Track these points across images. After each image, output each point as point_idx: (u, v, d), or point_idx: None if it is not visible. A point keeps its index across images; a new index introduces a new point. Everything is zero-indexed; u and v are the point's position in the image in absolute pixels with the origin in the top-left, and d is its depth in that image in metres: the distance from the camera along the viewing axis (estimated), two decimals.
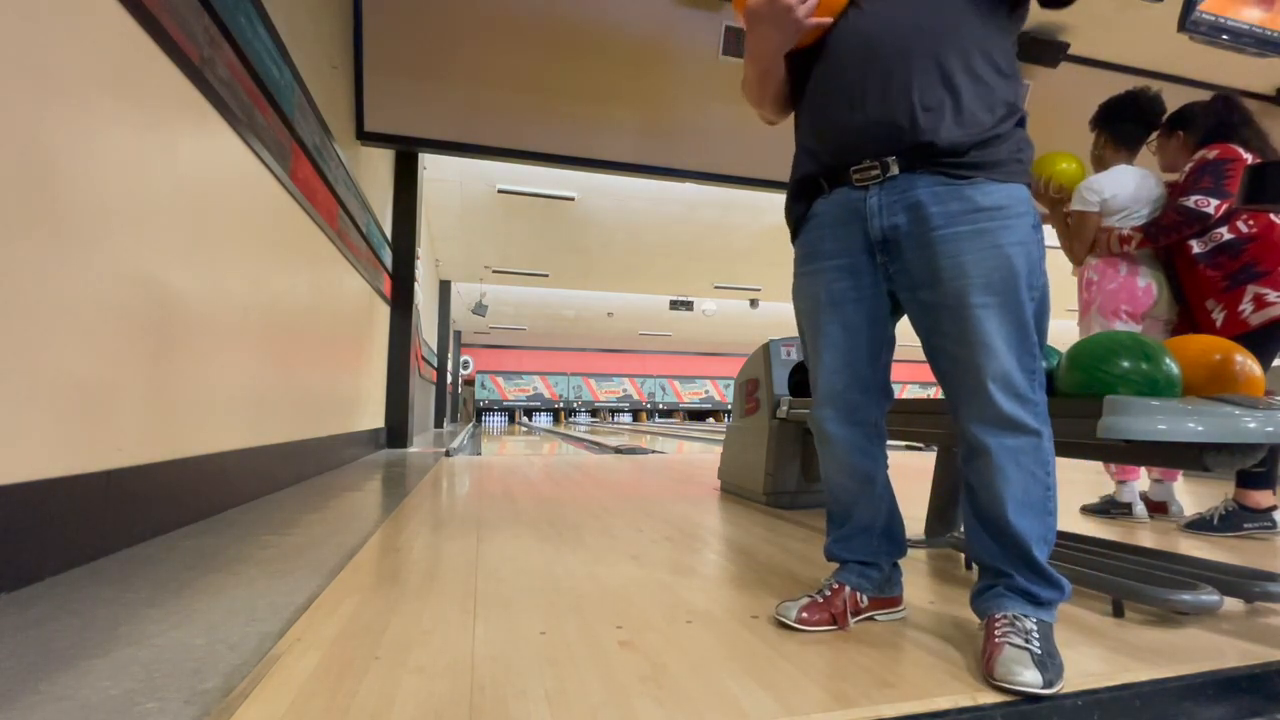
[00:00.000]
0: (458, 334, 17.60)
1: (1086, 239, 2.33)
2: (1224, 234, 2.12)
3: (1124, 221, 2.27)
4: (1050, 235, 1.86)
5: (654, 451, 6.81)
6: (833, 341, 1.16)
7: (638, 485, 3.32)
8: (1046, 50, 4.25)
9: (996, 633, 0.96)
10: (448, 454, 5.20)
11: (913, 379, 17.56)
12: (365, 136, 4.46)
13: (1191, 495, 3.03)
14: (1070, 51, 4.32)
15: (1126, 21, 4.07)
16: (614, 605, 1.26)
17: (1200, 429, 1.05)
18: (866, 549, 1.21)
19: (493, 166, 6.71)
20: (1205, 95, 2.41)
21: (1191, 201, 2.11)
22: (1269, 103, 4.96)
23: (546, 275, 12.12)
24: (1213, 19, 3.63)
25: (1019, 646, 0.91)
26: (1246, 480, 2.09)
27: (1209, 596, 1.17)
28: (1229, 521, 2.09)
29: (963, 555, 1.62)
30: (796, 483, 2.60)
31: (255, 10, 2.39)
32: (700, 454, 6.29)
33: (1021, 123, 1.08)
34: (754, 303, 14.47)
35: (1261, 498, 2.08)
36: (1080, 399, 1.22)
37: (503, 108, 4.61)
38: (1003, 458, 1.01)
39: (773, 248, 9.99)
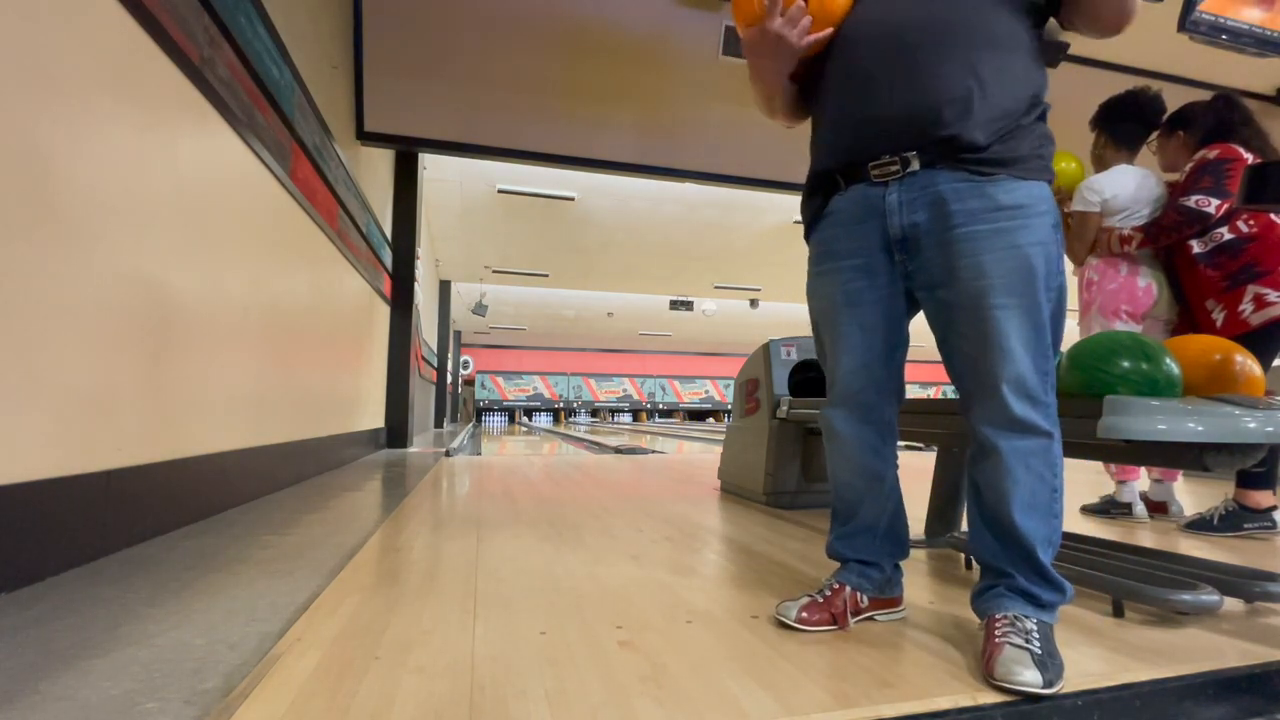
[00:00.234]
0: (458, 334, 17.60)
1: (1087, 239, 2.33)
2: (1224, 234, 2.12)
3: (1125, 222, 2.27)
4: None
5: (654, 451, 6.81)
6: (850, 343, 1.15)
7: (638, 485, 3.32)
8: (1046, 50, 4.23)
9: (997, 633, 0.96)
10: (448, 454, 5.20)
11: (913, 379, 17.51)
12: (365, 136, 4.46)
13: (1191, 495, 3.03)
14: (1070, 52, 4.32)
15: None
16: (614, 605, 1.26)
17: (1200, 429, 1.05)
18: (869, 548, 1.20)
19: (493, 166, 6.71)
20: (1205, 95, 2.41)
21: (1192, 201, 2.11)
22: (1269, 103, 4.96)
23: (546, 275, 12.12)
24: (1212, 19, 3.63)
25: (1019, 646, 0.91)
26: (1246, 480, 2.09)
27: (1209, 596, 1.17)
28: (1229, 521, 2.09)
29: (963, 555, 1.62)
30: (796, 483, 2.60)
31: (255, 10, 2.39)
32: (700, 454, 6.29)
33: (1043, 116, 1.06)
34: (754, 303, 14.47)
35: (1261, 498, 2.08)
36: (1080, 399, 1.22)
37: (503, 108, 4.61)
38: (1012, 459, 1.00)
39: (773, 248, 10.00)
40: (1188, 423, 1.06)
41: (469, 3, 4.03)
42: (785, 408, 2.55)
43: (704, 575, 1.52)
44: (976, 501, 1.07)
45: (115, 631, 1.10)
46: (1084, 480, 3.24)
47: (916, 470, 1.76)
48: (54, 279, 1.41)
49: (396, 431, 5.62)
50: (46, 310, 1.39)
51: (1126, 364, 1.22)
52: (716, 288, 13.45)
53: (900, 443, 1.25)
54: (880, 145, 1.07)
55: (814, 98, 1.21)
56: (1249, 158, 2.11)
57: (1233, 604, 1.28)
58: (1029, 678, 0.86)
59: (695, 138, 5.00)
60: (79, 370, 1.50)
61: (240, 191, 2.36)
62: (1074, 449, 1.33)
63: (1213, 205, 2.08)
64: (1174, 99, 2.42)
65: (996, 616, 0.99)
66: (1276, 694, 0.96)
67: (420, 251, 6.39)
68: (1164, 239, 2.19)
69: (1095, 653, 1.04)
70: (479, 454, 6.21)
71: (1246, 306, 2.06)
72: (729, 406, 3.98)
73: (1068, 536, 1.66)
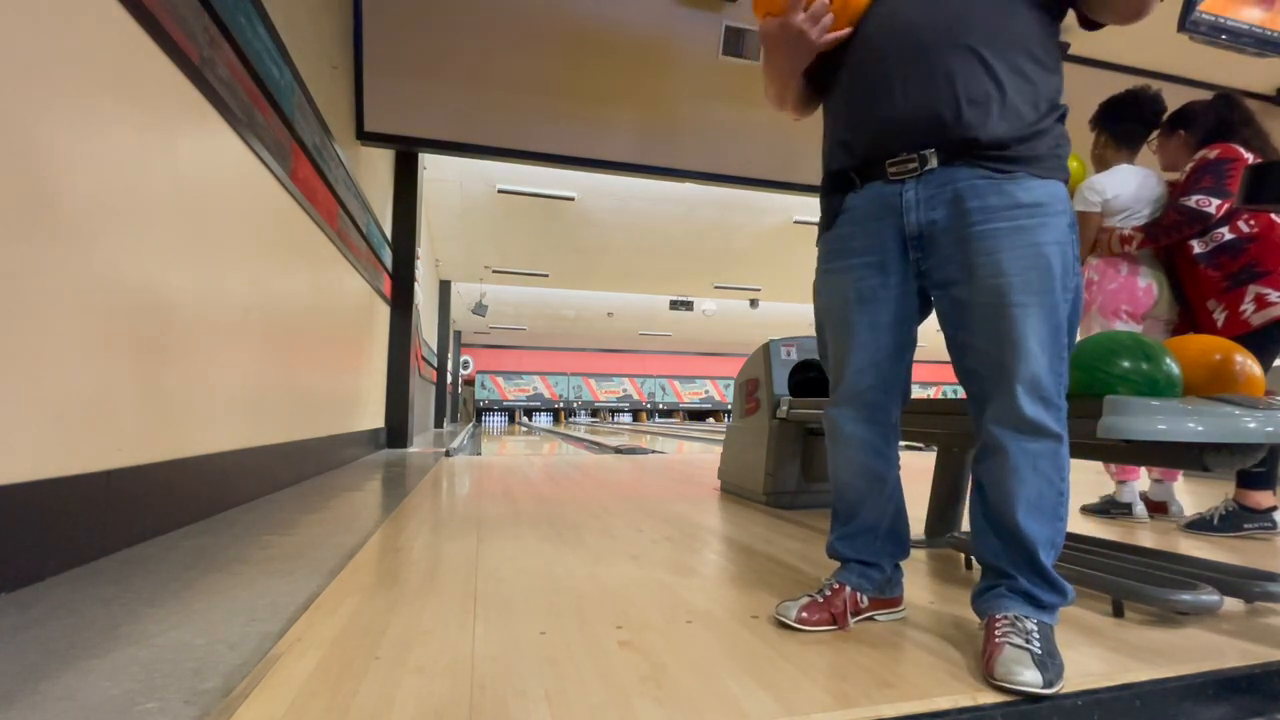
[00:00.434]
0: (458, 334, 17.60)
1: (1088, 239, 2.33)
2: (1225, 234, 2.12)
3: (1125, 221, 2.27)
4: None
5: (654, 451, 6.81)
6: (861, 341, 1.14)
7: (638, 485, 3.31)
8: None
9: (997, 633, 0.95)
10: (448, 454, 5.20)
11: (913, 379, 17.51)
12: (365, 136, 4.46)
13: (1191, 495, 3.03)
14: (1070, 51, 4.33)
15: None
16: (614, 605, 1.26)
17: (1200, 429, 1.05)
18: (870, 548, 1.20)
19: (493, 166, 6.72)
20: (1205, 95, 2.41)
21: (1192, 201, 2.11)
22: (1269, 103, 4.96)
23: (546, 275, 12.12)
24: (1212, 19, 3.63)
25: (1019, 646, 0.91)
26: (1246, 480, 2.09)
27: (1209, 596, 1.17)
28: (1229, 521, 2.09)
29: (963, 555, 1.62)
30: (796, 483, 2.59)
31: (255, 10, 2.39)
32: (700, 454, 6.28)
33: (1062, 118, 1.06)
34: (754, 303, 14.47)
35: (1261, 498, 2.08)
36: (1080, 399, 1.22)
37: (503, 108, 4.61)
38: (1020, 460, 0.99)
39: (773, 248, 9.99)
40: (1188, 423, 1.06)
41: (469, 3, 4.03)
42: (785, 408, 2.55)
43: (704, 575, 1.52)
44: (981, 501, 1.06)
45: (115, 631, 1.10)
46: (1084, 480, 3.23)
47: (917, 470, 1.75)
48: (54, 279, 1.41)
49: (396, 431, 5.62)
50: (46, 310, 1.39)
51: (1127, 364, 1.22)
52: (716, 288, 13.45)
53: (900, 443, 1.25)
54: (898, 143, 1.07)
55: (826, 92, 1.20)
56: (1249, 157, 2.11)
57: (1233, 604, 1.28)
58: (1029, 678, 0.86)
59: (695, 138, 5.00)
60: (79, 370, 1.50)
61: (240, 192, 2.36)
62: (1074, 449, 1.32)
63: (1213, 205, 2.08)
64: (1174, 99, 2.41)
65: (997, 617, 0.99)
66: (1276, 694, 0.96)
67: (420, 251, 6.39)
68: (1164, 239, 2.19)
69: (1095, 653, 1.04)
70: (479, 454, 6.21)
71: (1248, 306, 2.06)
72: (729, 406, 3.99)
73: (1068, 536, 1.66)
